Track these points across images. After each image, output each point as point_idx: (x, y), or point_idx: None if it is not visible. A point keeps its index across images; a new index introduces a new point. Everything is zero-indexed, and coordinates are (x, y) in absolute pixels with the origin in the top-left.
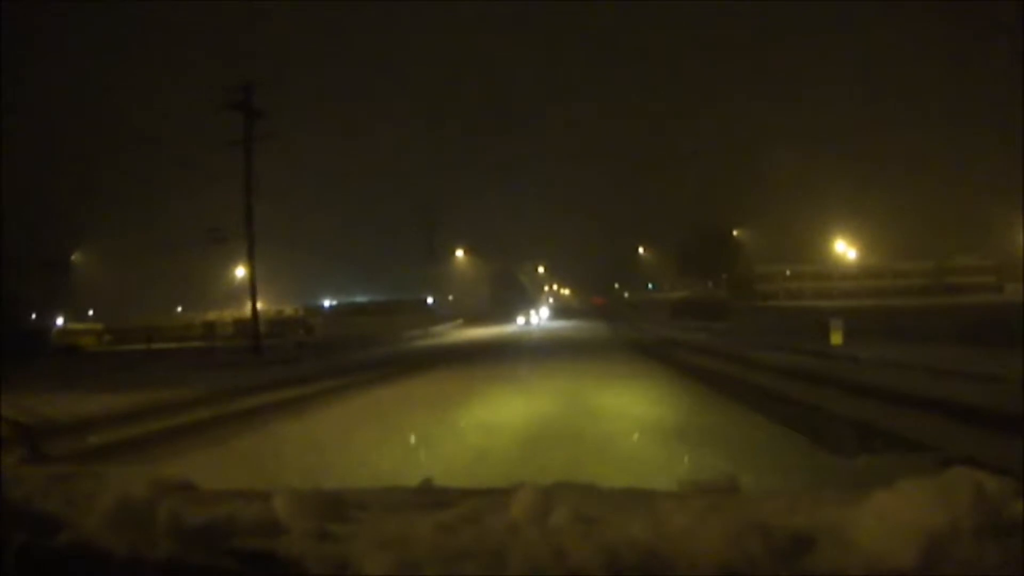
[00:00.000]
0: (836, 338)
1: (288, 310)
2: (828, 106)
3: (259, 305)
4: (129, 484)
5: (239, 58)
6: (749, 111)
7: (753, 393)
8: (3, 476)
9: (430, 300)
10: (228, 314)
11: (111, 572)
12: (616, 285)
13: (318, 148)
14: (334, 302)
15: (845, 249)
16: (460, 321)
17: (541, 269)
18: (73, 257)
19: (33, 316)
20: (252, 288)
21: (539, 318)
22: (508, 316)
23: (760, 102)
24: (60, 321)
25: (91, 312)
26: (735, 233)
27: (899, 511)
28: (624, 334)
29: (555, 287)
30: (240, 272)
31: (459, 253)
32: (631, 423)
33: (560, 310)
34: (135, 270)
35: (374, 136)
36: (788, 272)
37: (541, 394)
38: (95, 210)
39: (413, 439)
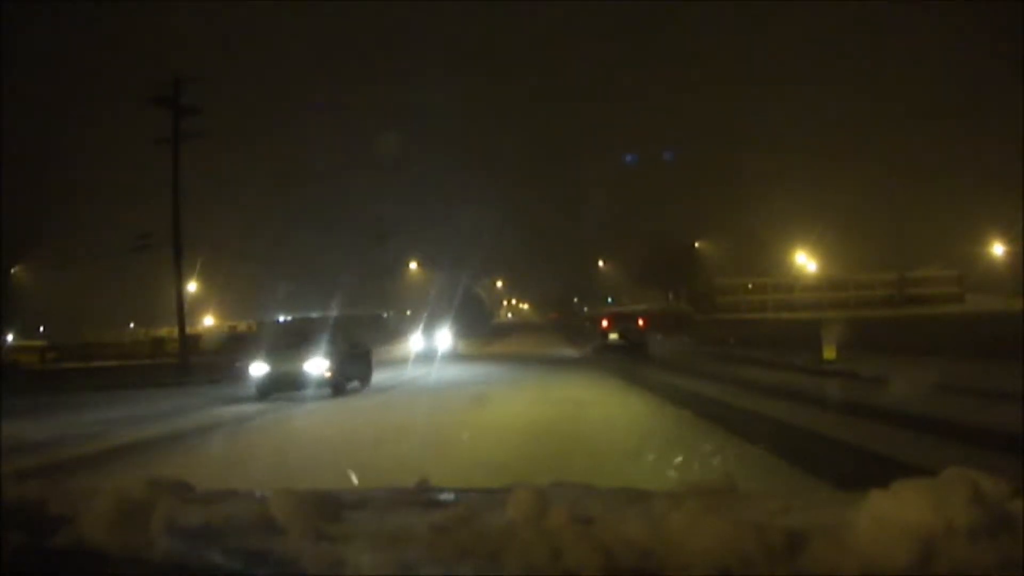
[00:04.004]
0: (829, 352)
1: (241, 326)
2: (789, 118)
3: (211, 321)
4: (126, 485)
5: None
6: (710, 123)
7: (782, 436)
8: (2, 477)
9: (385, 315)
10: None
11: (109, 572)
12: (575, 299)
13: (274, 160)
14: (288, 317)
15: (805, 261)
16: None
17: (500, 284)
18: (13, 271)
19: None
20: (179, 299)
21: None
22: (464, 331)
23: (721, 114)
24: (11, 338)
25: (41, 328)
26: (696, 245)
27: (894, 512)
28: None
29: (514, 302)
30: (191, 287)
31: (413, 266)
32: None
33: (511, 327)
34: (83, 284)
35: (330, 148)
36: (750, 285)
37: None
38: (30, 218)
39: None
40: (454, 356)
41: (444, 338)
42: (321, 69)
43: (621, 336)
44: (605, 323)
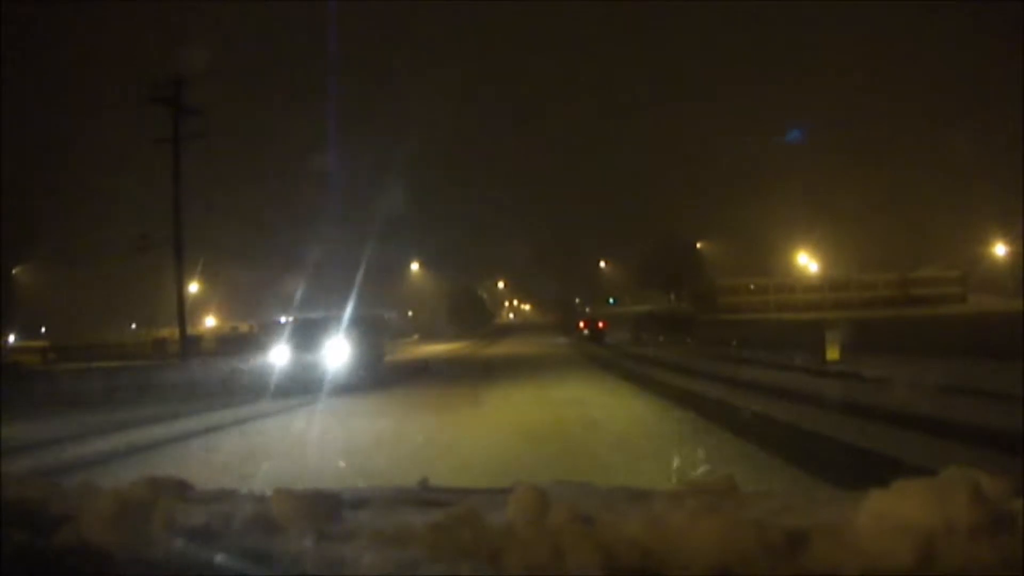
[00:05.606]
0: (832, 352)
1: (243, 327)
2: (790, 118)
3: (213, 322)
4: (127, 484)
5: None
6: (711, 124)
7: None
8: (2, 477)
9: (387, 315)
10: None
11: (109, 572)
12: (577, 300)
13: (275, 161)
14: (290, 318)
15: (807, 261)
16: (416, 337)
17: (501, 284)
18: (15, 271)
19: None
20: (180, 300)
21: None
22: (466, 332)
23: (720, 115)
24: (12, 339)
25: (43, 329)
26: (698, 246)
27: (896, 510)
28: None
29: (516, 303)
30: (193, 287)
31: (415, 267)
32: None
33: (511, 328)
34: (84, 284)
35: (330, 148)
36: (752, 285)
37: None
38: (31, 218)
39: None
40: (375, 378)
41: (340, 349)
42: (322, 69)
43: (589, 333)
44: (581, 324)
